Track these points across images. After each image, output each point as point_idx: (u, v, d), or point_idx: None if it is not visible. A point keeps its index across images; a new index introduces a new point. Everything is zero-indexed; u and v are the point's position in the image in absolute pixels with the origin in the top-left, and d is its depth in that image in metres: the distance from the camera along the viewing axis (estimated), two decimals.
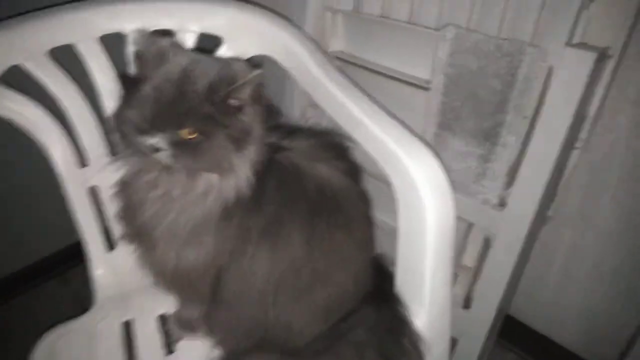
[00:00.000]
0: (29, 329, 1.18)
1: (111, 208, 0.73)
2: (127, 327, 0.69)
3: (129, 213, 0.60)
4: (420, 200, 0.56)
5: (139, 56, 0.58)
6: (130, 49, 0.71)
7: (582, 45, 0.73)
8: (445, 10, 0.86)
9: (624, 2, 0.72)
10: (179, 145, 0.54)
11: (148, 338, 0.67)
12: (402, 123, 0.61)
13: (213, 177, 0.57)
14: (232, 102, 0.56)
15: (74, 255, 1.34)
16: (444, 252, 0.59)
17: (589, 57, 0.69)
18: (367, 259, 0.66)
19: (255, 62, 0.63)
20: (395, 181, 0.59)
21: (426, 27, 0.88)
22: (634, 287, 0.93)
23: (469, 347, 0.96)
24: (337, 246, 0.60)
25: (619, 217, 0.90)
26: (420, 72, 0.92)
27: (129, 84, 0.59)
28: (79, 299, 1.27)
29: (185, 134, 0.54)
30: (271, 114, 0.62)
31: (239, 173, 0.57)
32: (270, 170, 0.59)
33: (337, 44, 1.05)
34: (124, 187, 0.62)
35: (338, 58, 1.03)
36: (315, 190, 0.60)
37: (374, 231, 0.68)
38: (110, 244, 0.76)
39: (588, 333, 1.04)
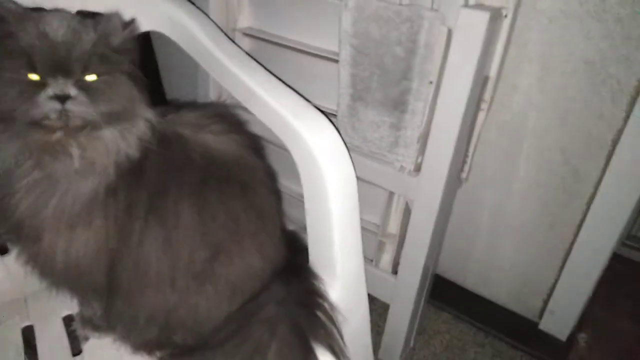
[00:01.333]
0: None
1: None
2: (28, 332, 0.64)
3: (3, 208, 0.54)
4: (319, 168, 0.55)
5: None
6: None
7: (478, 6, 0.74)
8: None
9: None
10: (88, 90, 0.49)
11: (52, 341, 0.63)
12: (297, 93, 0.59)
13: (115, 133, 0.52)
14: (123, 47, 0.53)
15: None
16: (350, 218, 0.59)
17: (483, 17, 0.69)
18: (274, 231, 0.64)
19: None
20: (294, 151, 0.57)
21: None
22: (551, 239, 0.97)
23: (401, 310, 0.98)
24: (234, 216, 0.58)
25: (533, 174, 0.93)
26: (330, 44, 0.90)
27: None
28: None
29: (87, 77, 0.49)
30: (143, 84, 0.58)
31: (139, 121, 0.54)
32: (156, 142, 0.55)
33: (244, 21, 1.01)
34: None
35: (246, 35, 1.00)
36: (202, 159, 0.58)
37: (279, 202, 0.66)
38: (3, 247, 0.70)
39: (515, 286, 1.09)
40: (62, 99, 0.48)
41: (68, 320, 0.66)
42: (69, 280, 0.57)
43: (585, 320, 1.03)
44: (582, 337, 1.04)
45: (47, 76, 0.48)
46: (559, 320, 1.03)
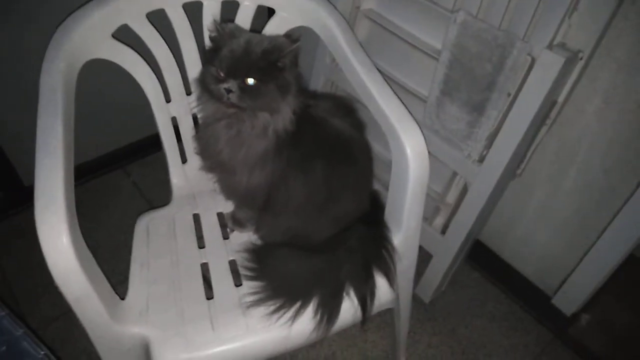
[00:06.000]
0: (100, 208, 1.61)
1: (187, 134, 1.06)
2: (196, 218, 1.04)
3: (210, 151, 0.92)
4: (406, 160, 0.84)
5: (213, 38, 0.89)
6: (207, 21, 1.01)
7: (560, 46, 0.97)
8: None
9: (598, 14, 0.94)
10: (244, 89, 0.84)
11: (211, 227, 1.02)
12: (403, 104, 0.89)
13: (267, 116, 0.87)
14: (279, 64, 0.84)
15: (133, 153, 1.74)
16: (419, 196, 0.89)
17: (559, 60, 0.93)
18: (366, 189, 0.99)
19: (294, 37, 0.90)
20: (391, 143, 0.88)
21: (443, 8, 1.11)
22: (579, 236, 1.24)
23: (441, 262, 1.32)
24: (345, 175, 0.92)
25: (579, 183, 1.17)
26: (435, 42, 1.16)
27: (208, 55, 0.90)
28: (137, 188, 1.65)
29: (248, 81, 0.83)
30: (301, 81, 0.92)
31: (283, 113, 0.87)
32: (304, 120, 0.90)
33: (368, 2, 1.27)
34: (204, 131, 0.94)
35: (367, 16, 1.26)
36: (334, 136, 0.91)
37: (372, 169, 1.01)
38: (183, 159, 1.10)
39: (540, 265, 1.38)
40: (228, 91, 0.83)
41: (219, 216, 1.05)
42: (242, 198, 0.96)
43: (591, 305, 1.32)
44: (584, 317, 1.34)
45: (226, 76, 0.83)
46: (569, 299, 1.32)
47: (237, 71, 0.83)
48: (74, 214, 0.72)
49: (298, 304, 0.84)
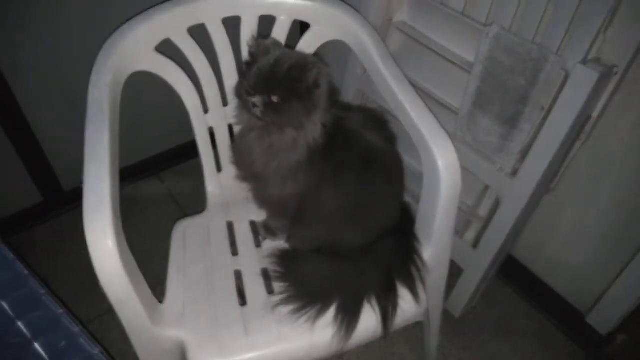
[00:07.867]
0: (135, 214, 1.67)
1: (223, 144, 1.11)
2: (230, 225, 1.09)
3: (245, 161, 0.98)
4: (438, 174, 0.86)
5: (251, 53, 0.95)
6: (245, 36, 1.07)
7: (594, 61, 0.98)
8: (495, 10, 1.10)
9: (634, 29, 0.95)
10: (268, 105, 0.88)
11: (244, 235, 1.07)
12: (434, 116, 0.92)
13: (293, 131, 0.91)
14: (302, 83, 0.88)
15: (167, 160, 1.80)
16: (450, 210, 0.91)
17: (593, 76, 0.94)
18: (398, 202, 1.02)
19: (323, 58, 0.95)
20: (423, 157, 0.91)
21: (476, 21, 1.13)
22: (615, 253, 1.23)
23: (472, 276, 1.33)
24: (377, 188, 0.95)
25: (614, 198, 1.17)
26: (467, 55, 1.18)
27: (245, 67, 0.95)
28: (171, 195, 1.72)
29: (272, 98, 0.87)
30: (335, 93, 0.96)
31: (307, 131, 0.91)
32: (337, 132, 0.93)
33: (401, 15, 1.31)
34: (240, 141, 1.00)
35: (399, 29, 1.30)
36: (365, 148, 0.95)
37: (404, 182, 1.03)
38: (219, 168, 1.15)
39: (575, 282, 1.37)
40: (254, 105, 0.88)
41: (252, 224, 1.10)
42: (275, 207, 1.01)
43: (628, 324, 1.30)
44: (621, 337, 1.32)
45: (254, 90, 0.88)
46: (604, 318, 1.30)
47: (262, 87, 0.88)
48: (119, 218, 0.77)
49: (319, 306, 0.88)
